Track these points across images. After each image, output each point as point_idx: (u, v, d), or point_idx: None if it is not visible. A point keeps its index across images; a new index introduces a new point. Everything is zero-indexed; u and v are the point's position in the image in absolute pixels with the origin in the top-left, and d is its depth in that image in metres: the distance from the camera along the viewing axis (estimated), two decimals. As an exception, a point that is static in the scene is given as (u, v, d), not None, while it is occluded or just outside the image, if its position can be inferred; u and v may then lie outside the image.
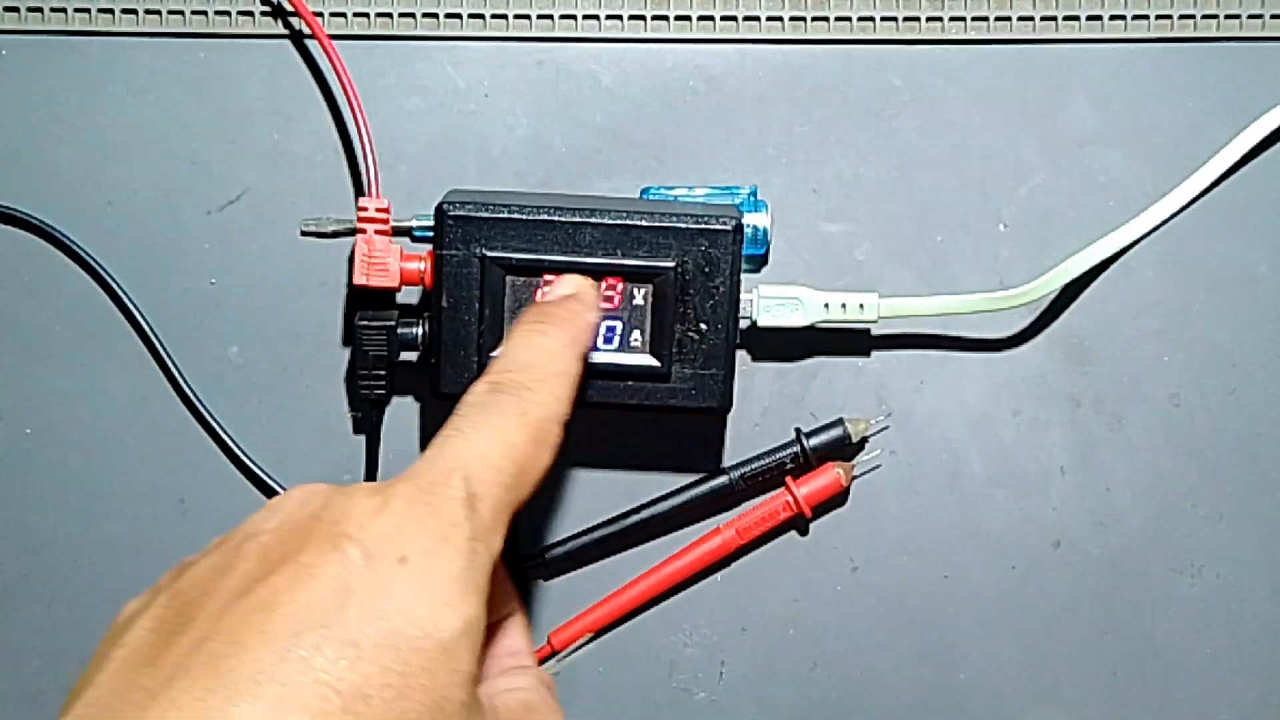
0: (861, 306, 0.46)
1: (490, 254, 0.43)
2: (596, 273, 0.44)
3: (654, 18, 0.49)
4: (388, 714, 0.27)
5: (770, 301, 0.46)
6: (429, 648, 0.28)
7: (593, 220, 0.43)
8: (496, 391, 0.34)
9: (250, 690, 0.26)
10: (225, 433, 0.48)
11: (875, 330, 0.48)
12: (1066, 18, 0.48)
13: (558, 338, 0.37)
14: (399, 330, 0.46)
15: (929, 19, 0.49)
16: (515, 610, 0.39)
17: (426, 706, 0.28)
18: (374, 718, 0.27)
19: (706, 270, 0.44)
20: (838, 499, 0.48)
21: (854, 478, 0.48)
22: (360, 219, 0.46)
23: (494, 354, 0.44)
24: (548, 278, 0.44)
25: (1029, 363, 0.48)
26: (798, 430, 0.48)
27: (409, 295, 0.48)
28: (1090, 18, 0.48)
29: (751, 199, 0.47)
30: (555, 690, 0.37)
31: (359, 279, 0.45)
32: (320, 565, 0.28)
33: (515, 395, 0.34)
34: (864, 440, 0.48)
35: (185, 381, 0.48)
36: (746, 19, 0.49)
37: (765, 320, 0.46)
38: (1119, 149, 0.48)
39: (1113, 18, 0.49)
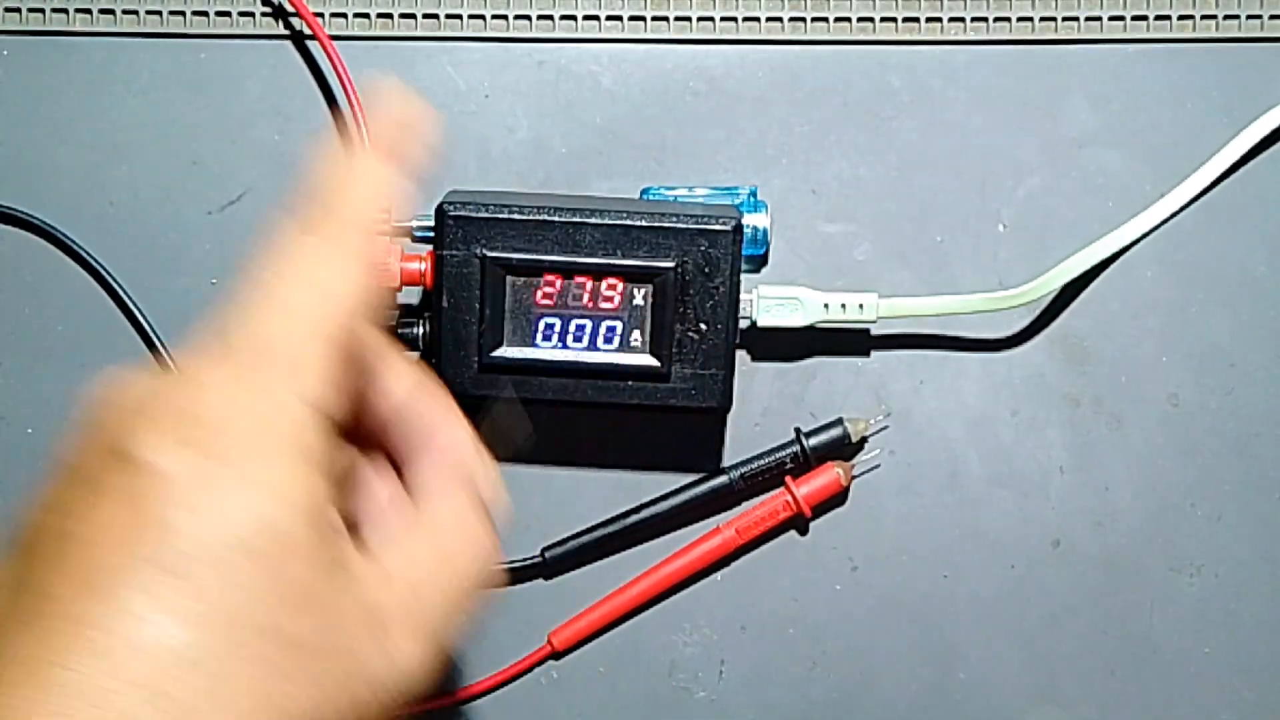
0: (861, 307, 0.46)
1: (490, 254, 0.43)
2: (597, 273, 0.44)
3: (654, 19, 0.49)
4: (243, 636, 0.25)
5: (770, 301, 0.46)
6: (261, 544, 0.26)
7: (593, 220, 0.44)
8: (295, 241, 0.31)
9: (86, 649, 0.24)
10: (226, 432, 0.48)
11: (875, 330, 0.48)
12: (1066, 18, 0.49)
13: (353, 181, 0.33)
14: (399, 330, 0.46)
15: (928, 20, 0.49)
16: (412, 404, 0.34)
17: (274, 606, 0.26)
18: (227, 645, 0.25)
19: (706, 270, 0.44)
20: (837, 499, 0.48)
21: (853, 477, 0.48)
22: (361, 219, 0.46)
23: (494, 354, 0.44)
24: (548, 278, 0.44)
25: (1028, 363, 0.48)
26: (797, 430, 0.48)
27: (409, 295, 0.48)
28: (1089, 18, 0.49)
29: (751, 199, 0.47)
30: (488, 468, 0.34)
31: (359, 279, 0.45)
32: (119, 484, 0.26)
33: (312, 239, 0.31)
34: (863, 440, 0.48)
35: (186, 381, 0.48)
36: (746, 20, 0.49)
37: (765, 320, 0.46)
38: (1118, 149, 0.48)
39: (1112, 18, 0.49)
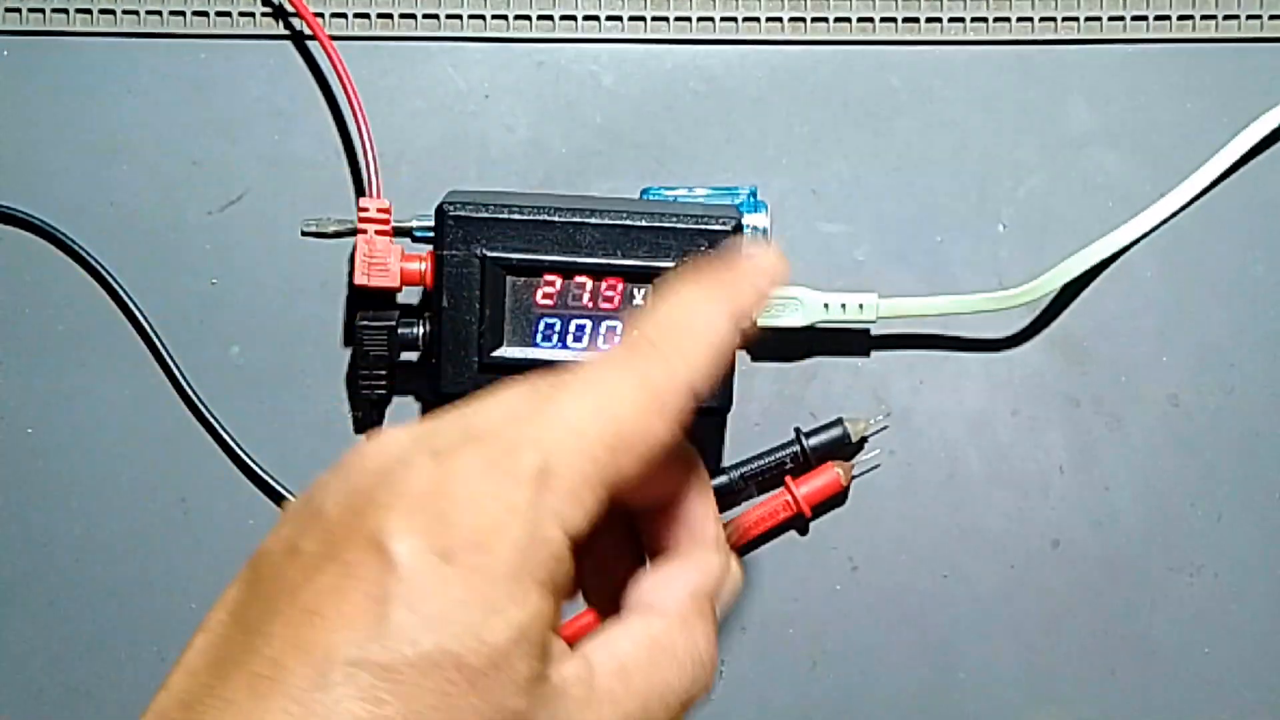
0: (861, 307, 0.46)
1: (490, 254, 0.43)
2: (596, 273, 0.44)
3: (654, 19, 0.49)
4: None
5: (770, 301, 0.46)
6: (475, 663, 0.26)
7: (593, 221, 0.44)
8: (624, 349, 0.29)
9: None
10: (226, 432, 0.48)
11: (874, 330, 0.48)
12: (1065, 19, 0.49)
13: (711, 296, 0.31)
14: (399, 330, 0.46)
15: (928, 20, 0.49)
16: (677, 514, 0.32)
17: None
18: None
19: (706, 270, 0.44)
20: (837, 498, 0.48)
21: (853, 477, 0.48)
22: (361, 219, 0.46)
23: (494, 354, 0.44)
24: (548, 278, 0.44)
25: (1028, 363, 0.48)
26: (797, 430, 0.48)
27: (410, 295, 0.48)
28: (1089, 19, 0.49)
29: (751, 199, 0.47)
30: (734, 575, 0.32)
31: (360, 279, 0.45)
32: (361, 568, 0.26)
33: (638, 353, 0.29)
34: (863, 440, 0.48)
35: (186, 381, 0.48)
36: (746, 20, 0.49)
37: (765, 320, 0.46)
38: (1117, 150, 0.49)
39: (1111, 19, 0.49)
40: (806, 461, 0.48)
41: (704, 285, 0.31)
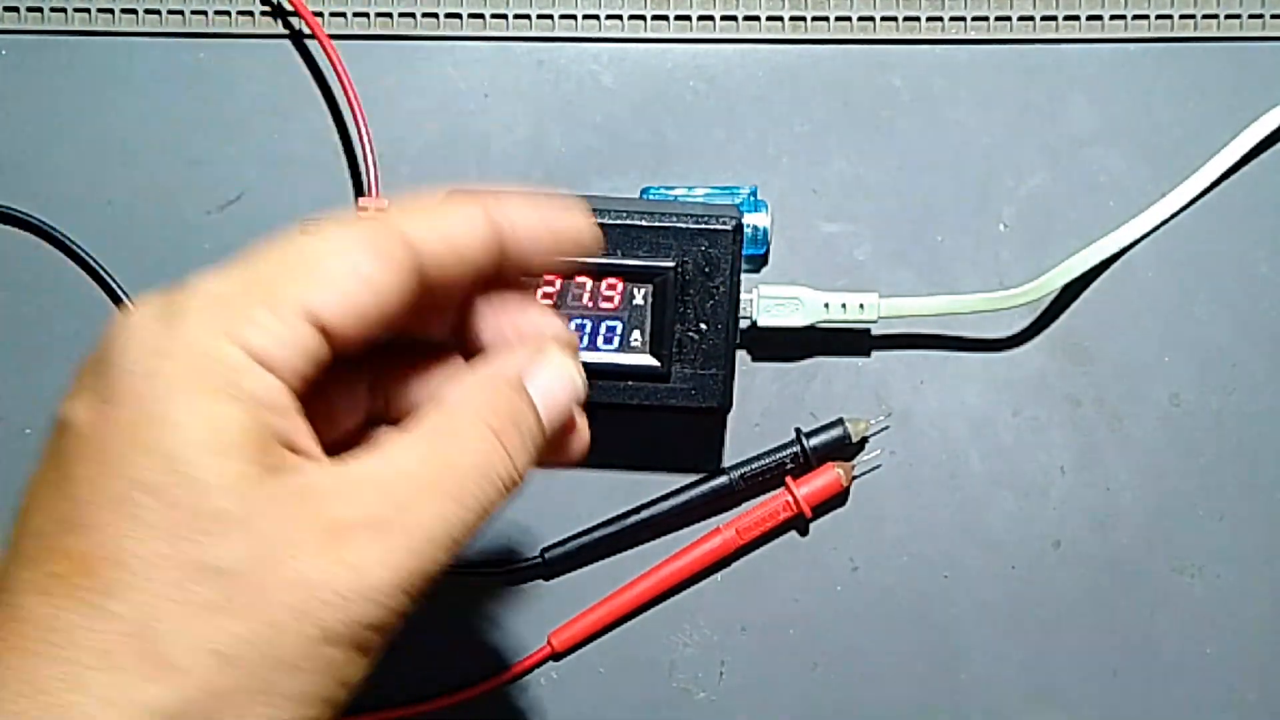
0: (861, 306, 0.46)
1: (490, 254, 0.43)
2: (597, 272, 0.44)
3: (654, 18, 0.49)
4: (163, 574, 0.25)
5: (770, 301, 0.46)
6: (167, 482, 0.26)
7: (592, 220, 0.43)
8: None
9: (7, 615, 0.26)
10: (225, 433, 0.48)
11: (875, 330, 0.48)
12: (1067, 18, 0.49)
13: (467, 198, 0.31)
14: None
15: (929, 19, 0.49)
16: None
17: (209, 539, 0.25)
18: (146, 587, 0.25)
19: (706, 270, 0.44)
20: (838, 499, 0.48)
21: (854, 478, 0.48)
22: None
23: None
24: (548, 278, 0.44)
25: (1029, 363, 0.48)
26: (798, 430, 0.48)
27: (409, 295, 0.48)
28: (1090, 18, 0.49)
29: (751, 199, 0.47)
30: (565, 367, 0.31)
31: (359, 279, 0.45)
32: (49, 446, 0.27)
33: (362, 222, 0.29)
34: (864, 440, 0.48)
35: (185, 381, 0.48)
36: (747, 19, 0.49)
37: (765, 320, 0.46)
38: (1119, 149, 0.48)
39: (1113, 18, 0.49)
40: (807, 462, 0.47)
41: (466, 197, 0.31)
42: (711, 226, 0.43)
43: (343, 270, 0.28)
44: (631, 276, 0.44)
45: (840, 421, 0.48)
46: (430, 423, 0.29)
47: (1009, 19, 0.49)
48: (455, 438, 0.29)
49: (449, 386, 0.30)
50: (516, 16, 0.49)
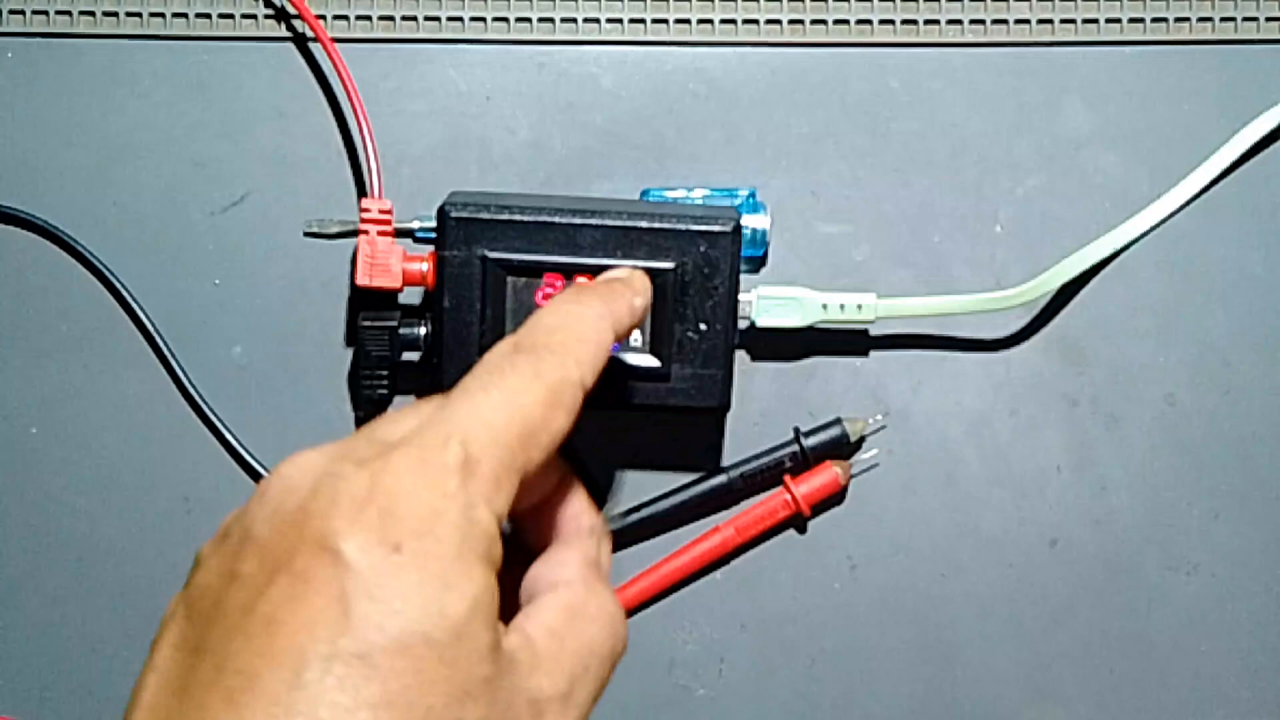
0: (859, 307, 0.46)
1: (492, 255, 0.44)
2: (596, 273, 0.44)
3: (654, 21, 0.49)
4: (411, 716, 0.27)
5: (769, 302, 0.46)
6: (441, 637, 0.27)
7: (593, 222, 0.44)
8: (514, 352, 0.32)
9: None
10: (229, 432, 0.48)
11: (873, 330, 0.49)
12: (1063, 20, 0.49)
13: (591, 306, 0.35)
14: (401, 331, 0.46)
15: (926, 22, 0.49)
16: (553, 490, 0.36)
17: (452, 694, 0.27)
18: None
19: (706, 271, 0.44)
20: (836, 498, 0.48)
21: (852, 477, 0.48)
22: (363, 220, 0.46)
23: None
24: (549, 278, 0.44)
25: (1026, 363, 0.49)
26: (796, 430, 0.48)
27: (411, 296, 0.48)
28: (1086, 20, 0.49)
29: (750, 200, 0.48)
30: (607, 550, 0.35)
31: (362, 280, 0.46)
32: (314, 572, 0.27)
33: (532, 355, 0.32)
34: (861, 439, 0.48)
35: (189, 381, 0.49)
36: (745, 22, 0.49)
37: (764, 320, 0.46)
38: (1115, 150, 0.49)
39: (1108, 20, 0.49)
40: (805, 461, 0.48)
41: (584, 296, 0.35)
42: (711, 228, 0.44)
43: (552, 436, 0.31)
44: (631, 277, 0.44)
45: (838, 421, 0.48)
46: (570, 601, 0.33)
47: (1005, 22, 0.49)
48: (593, 622, 0.32)
49: (572, 569, 0.33)
50: (518, 20, 0.49)
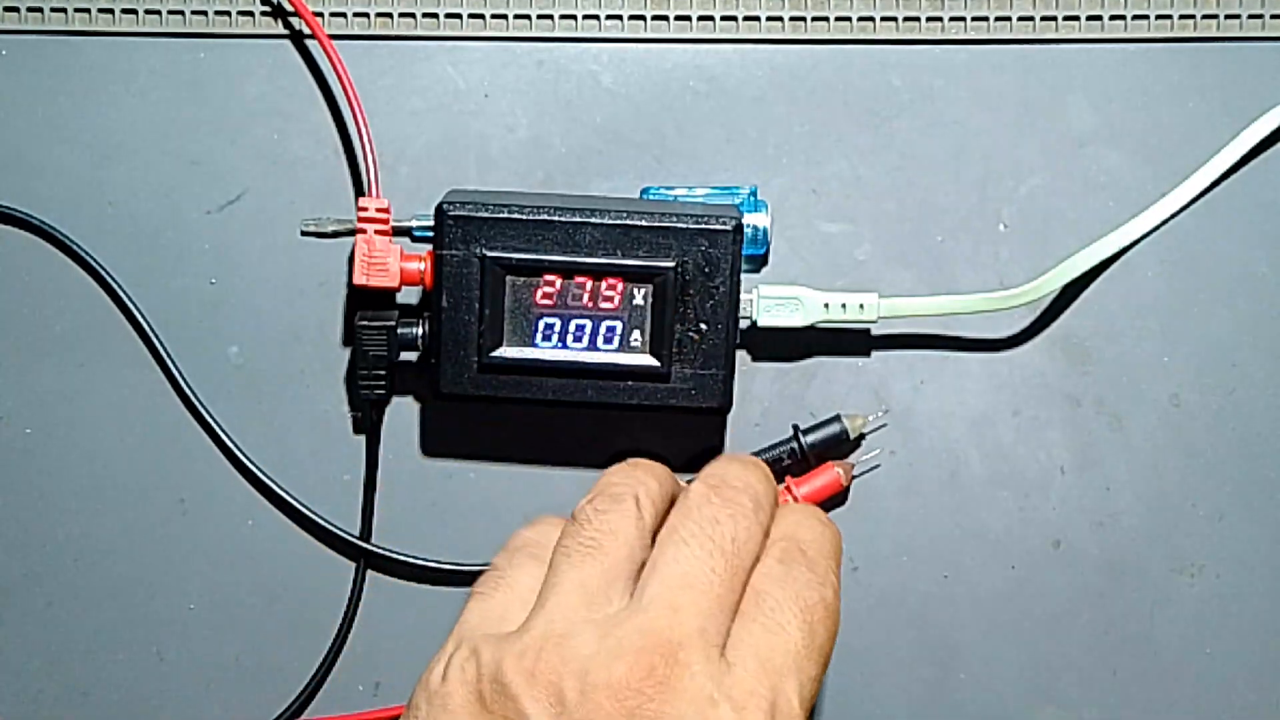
0: (861, 306, 0.46)
1: (490, 254, 0.43)
2: (597, 273, 0.44)
3: (654, 18, 0.49)
4: None
5: (770, 301, 0.46)
6: None
7: (593, 220, 0.44)
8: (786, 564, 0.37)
9: None
10: (225, 433, 0.48)
11: (875, 330, 0.48)
12: (1067, 18, 0.49)
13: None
14: (399, 330, 0.46)
15: (929, 19, 0.49)
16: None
17: None
18: None
19: (706, 270, 0.44)
20: (837, 498, 0.48)
21: (854, 477, 0.48)
22: (360, 219, 0.46)
23: (494, 354, 0.44)
24: (548, 278, 0.44)
25: (1029, 363, 0.48)
26: (795, 426, 0.48)
27: (409, 295, 0.48)
28: (1090, 18, 0.49)
29: (751, 199, 0.47)
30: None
31: (359, 279, 0.45)
32: None
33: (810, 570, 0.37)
34: (861, 437, 0.48)
35: (185, 381, 0.48)
36: (746, 19, 0.49)
37: (765, 320, 0.46)
38: (1119, 149, 0.48)
39: (1113, 18, 0.49)
40: (805, 458, 0.47)
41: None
42: (711, 226, 0.44)
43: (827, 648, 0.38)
44: (631, 276, 0.44)
45: (838, 418, 0.48)
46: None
47: (1009, 19, 0.49)
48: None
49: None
50: (516, 17, 0.49)
